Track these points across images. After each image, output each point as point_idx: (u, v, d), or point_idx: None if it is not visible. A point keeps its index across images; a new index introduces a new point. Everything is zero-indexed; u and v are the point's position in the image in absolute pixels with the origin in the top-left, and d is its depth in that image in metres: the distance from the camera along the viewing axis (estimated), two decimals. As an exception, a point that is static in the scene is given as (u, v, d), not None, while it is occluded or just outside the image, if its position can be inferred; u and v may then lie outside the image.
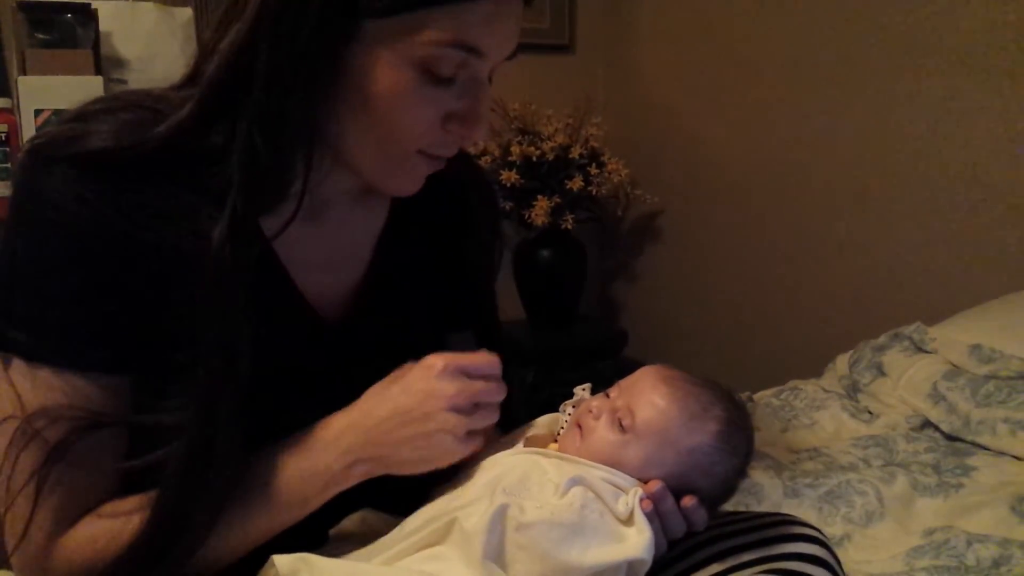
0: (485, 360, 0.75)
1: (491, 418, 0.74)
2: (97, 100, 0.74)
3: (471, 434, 0.73)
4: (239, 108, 0.69)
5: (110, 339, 0.71)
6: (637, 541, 0.70)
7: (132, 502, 0.73)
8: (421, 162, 0.76)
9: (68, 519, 0.72)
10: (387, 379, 0.75)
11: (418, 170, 0.77)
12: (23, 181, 0.71)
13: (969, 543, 1.10)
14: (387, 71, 0.69)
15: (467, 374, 0.73)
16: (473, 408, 0.73)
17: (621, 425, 0.77)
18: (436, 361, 0.73)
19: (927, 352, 1.61)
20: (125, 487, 0.74)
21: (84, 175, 0.69)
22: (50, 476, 0.70)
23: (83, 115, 0.72)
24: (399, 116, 0.71)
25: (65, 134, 0.70)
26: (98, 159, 0.69)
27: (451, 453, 0.73)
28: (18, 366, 0.70)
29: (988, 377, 1.47)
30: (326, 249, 0.82)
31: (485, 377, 0.74)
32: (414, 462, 0.73)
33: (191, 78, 0.74)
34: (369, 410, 0.74)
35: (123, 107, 0.72)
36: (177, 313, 0.70)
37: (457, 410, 0.71)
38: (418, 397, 0.72)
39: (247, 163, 0.69)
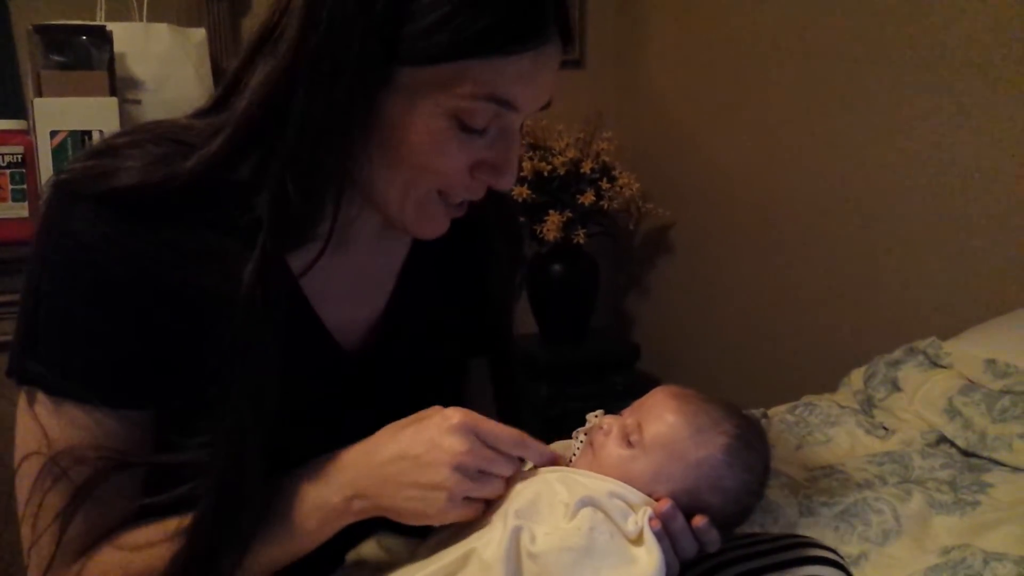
0: (507, 435, 0.71)
1: (494, 491, 0.71)
2: (122, 132, 0.74)
3: (469, 500, 0.69)
4: (270, 146, 0.68)
5: (134, 375, 0.71)
6: (648, 562, 0.69)
7: (147, 534, 0.73)
8: (440, 203, 0.75)
9: (86, 550, 0.72)
10: (408, 418, 0.73)
11: (436, 210, 0.75)
12: (49, 217, 0.70)
13: (986, 561, 1.09)
14: (421, 119, 0.68)
15: (483, 440, 0.70)
16: (478, 475, 0.69)
17: (629, 441, 0.77)
18: (454, 415, 0.70)
19: (942, 367, 1.59)
20: (141, 512, 0.74)
21: (111, 213, 0.69)
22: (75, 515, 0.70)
23: (109, 149, 0.71)
24: (429, 162, 0.70)
25: (92, 170, 0.69)
26: (126, 196, 0.69)
27: (442, 513, 0.69)
28: (42, 400, 0.70)
29: (1004, 392, 1.46)
30: (349, 280, 0.82)
31: (500, 450, 0.70)
32: (406, 512, 0.70)
33: (215, 106, 0.74)
34: (377, 447, 0.72)
35: (150, 140, 0.72)
36: (204, 351, 0.70)
37: (462, 470, 0.68)
38: (426, 446, 0.69)
39: (277, 205, 0.69)
